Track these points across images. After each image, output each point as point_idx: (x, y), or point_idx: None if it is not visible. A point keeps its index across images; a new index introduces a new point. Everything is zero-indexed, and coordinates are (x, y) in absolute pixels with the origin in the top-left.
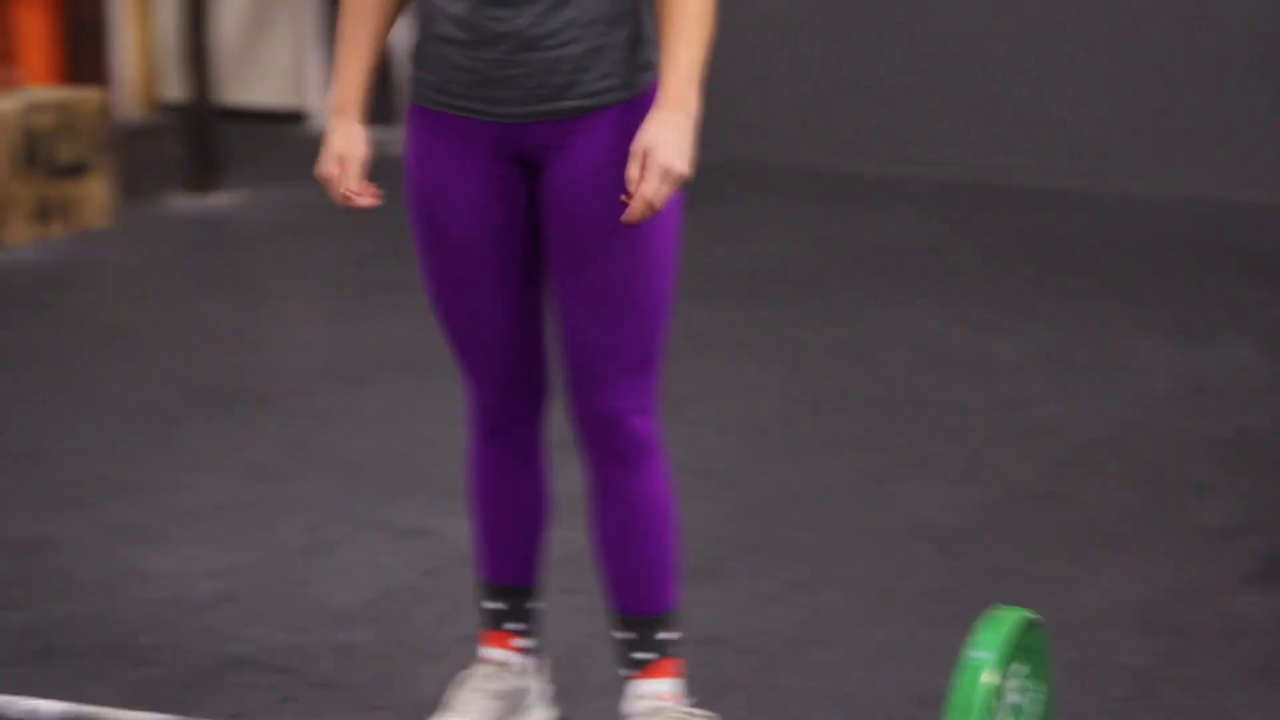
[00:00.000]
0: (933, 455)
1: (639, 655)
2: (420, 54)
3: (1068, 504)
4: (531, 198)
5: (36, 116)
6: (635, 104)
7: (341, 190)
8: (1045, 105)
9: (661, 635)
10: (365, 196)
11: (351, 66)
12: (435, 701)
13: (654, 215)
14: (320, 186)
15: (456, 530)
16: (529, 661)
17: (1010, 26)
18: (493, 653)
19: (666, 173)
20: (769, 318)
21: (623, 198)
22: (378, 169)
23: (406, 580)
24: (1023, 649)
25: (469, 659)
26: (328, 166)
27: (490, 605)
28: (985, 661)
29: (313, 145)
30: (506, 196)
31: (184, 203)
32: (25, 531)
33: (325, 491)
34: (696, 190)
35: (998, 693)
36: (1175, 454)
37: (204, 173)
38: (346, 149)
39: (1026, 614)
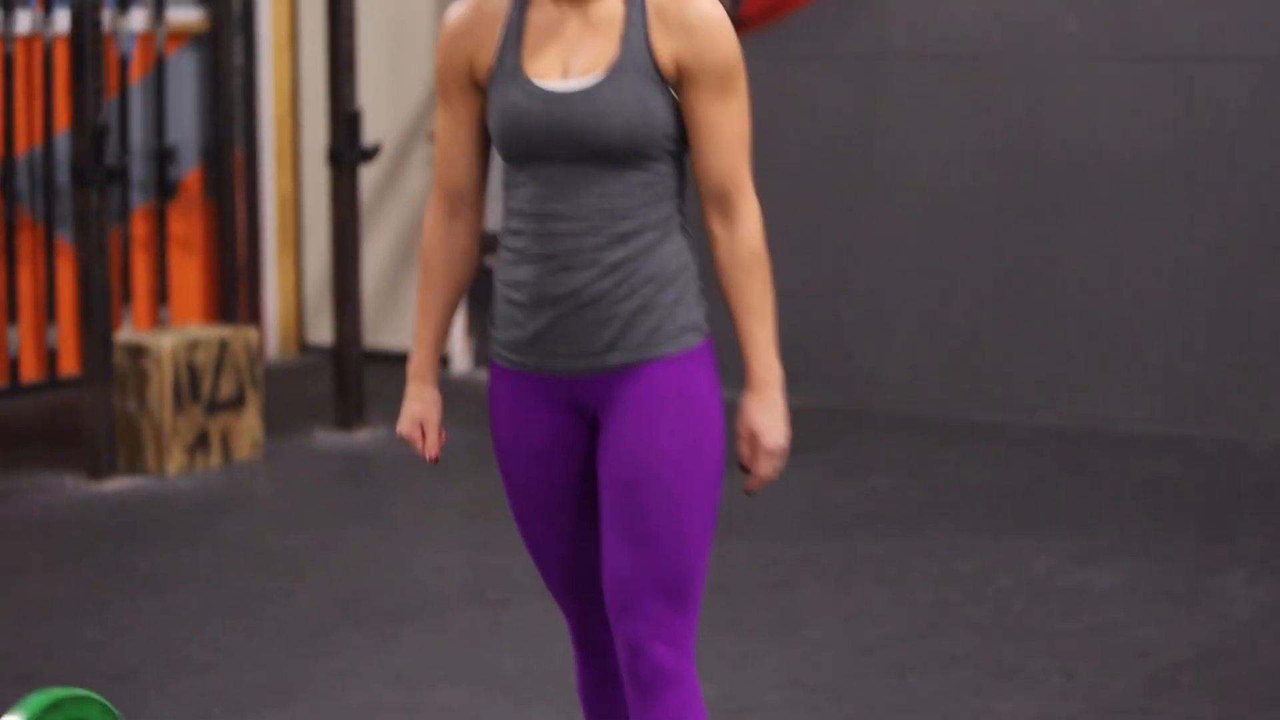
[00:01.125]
0: (1030, 672)
1: None
2: (493, 316)
3: (1155, 717)
4: (591, 445)
5: (196, 353)
6: (681, 359)
7: (420, 449)
8: (1147, 354)
9: None
10: (440, 450)
11: (426, 335)
12: None
13: (698, 461)
14: (458, 427)
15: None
16: None
17: (1117, 279)
18: None
19: (773, 453)
20: (880, 550)
21: (743, 481)
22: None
23: None
24: None
25: None
26: (406, 428)
27: None
28: None
29: (450, 388)
30: (567, 445)
31: (329, 438)
32: None
33: (466, 700)
34: (811, 432)
35: None
36: (1254, 675)
37: (349, 410)
38: (422, 412)
39: None
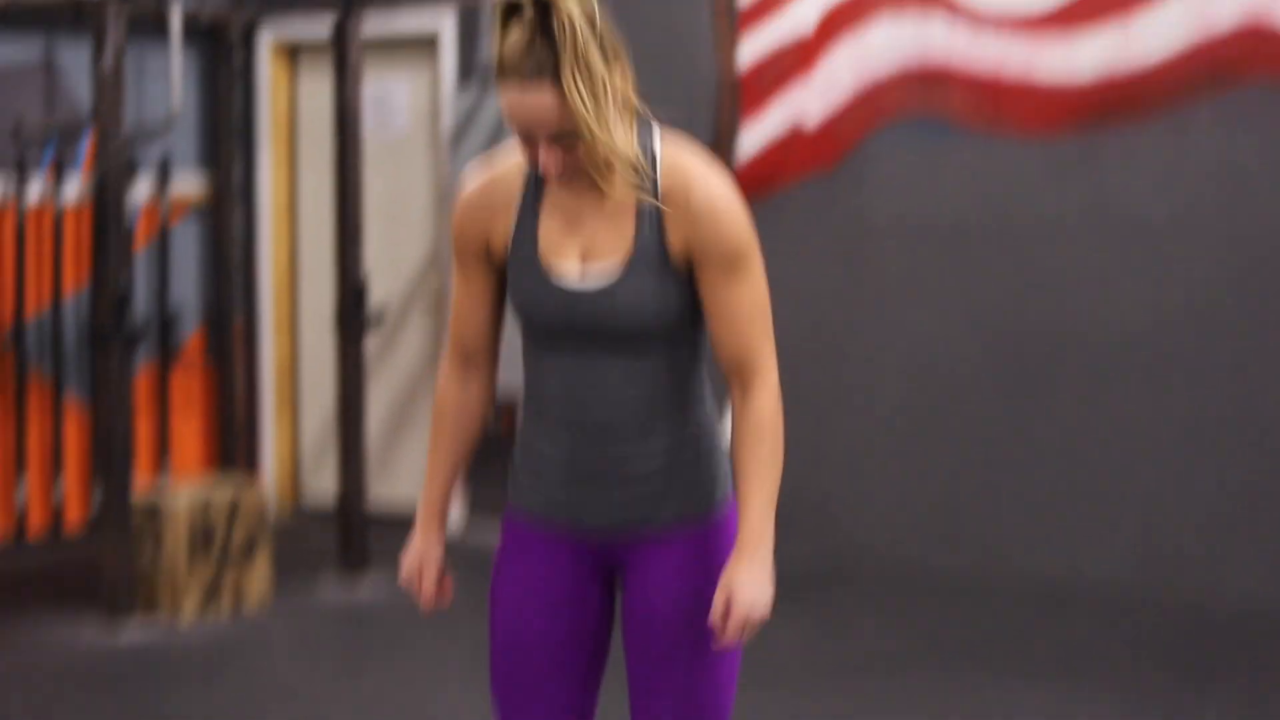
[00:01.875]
0: None
1: None
2: (513, 475)
3: None
4: (611, 606)
5: (208, 511)
6: (708, 530)
7: (418, 593)
8: (1119, 517)
9: None
10: (441, 599)
11: (434, 485)
12: None
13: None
14: (454, 581)
15: None
16: None
17: (1091, 449)
18: None
19: (748, 616)
20: (870, 698)
21: (710, 622)
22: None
23: None
24: None
25: None
26: (407, 573)
27: None
28: None
29: (450, 547)
30: (582, 598)
31: (334, 590)
32: None
33: None
34: (797, 586)
35: None
36: None
37: (353, 563)
38: (423, 557)
39: None
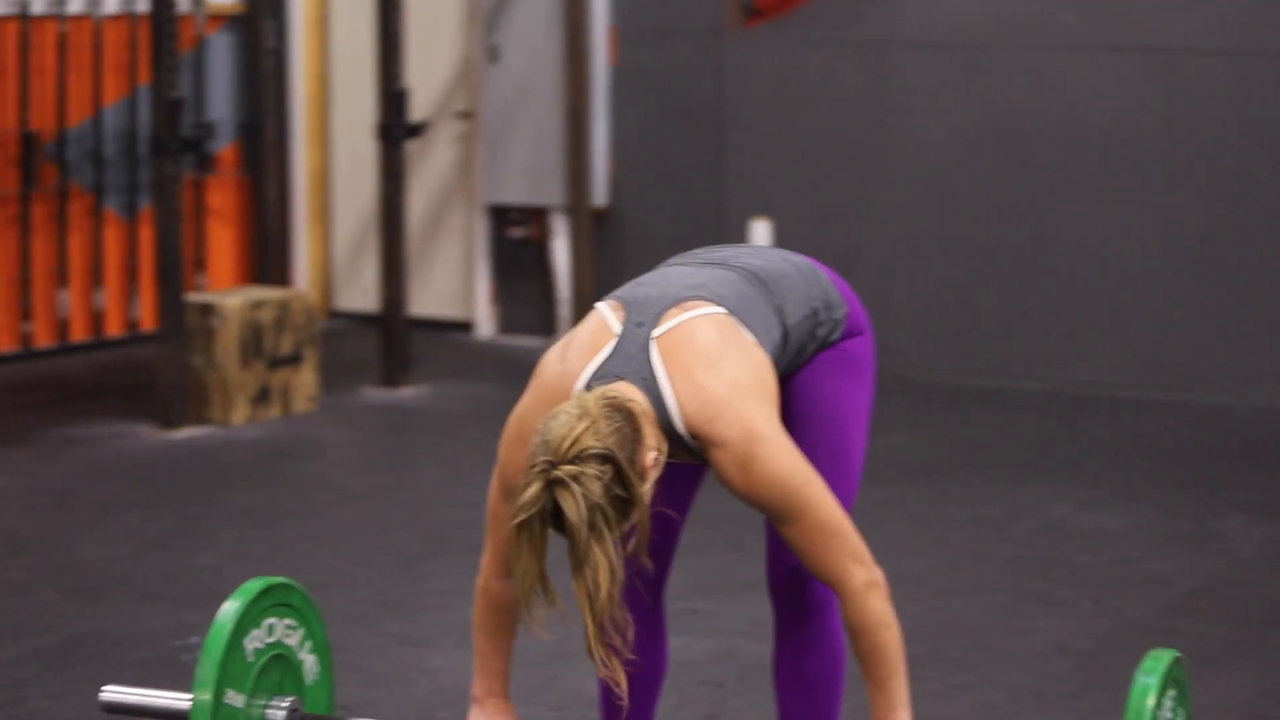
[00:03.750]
0: (1062, 599)
1: None
2: None
3: (1176, 635)
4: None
5: (259, 312)
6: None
7: None
8: (1134, 324)
9: None
10: None
11: (496, 666)
12: None
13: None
14: (492, 384)
15: (673, 644)
16: None
17: (1107, 254)
18: None
19: None
20: (908, 495)
21: None
22: None
23: None
24: (1173, 679)
25: None
26: None
27: None
28: (1151, 685)
29: (479, 350)
30: None
31: (377, 395)
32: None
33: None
34: None
35: (1158, 707)
36: (1261, 602)
37: (395, 369)
38: None
39: (1175, 653)
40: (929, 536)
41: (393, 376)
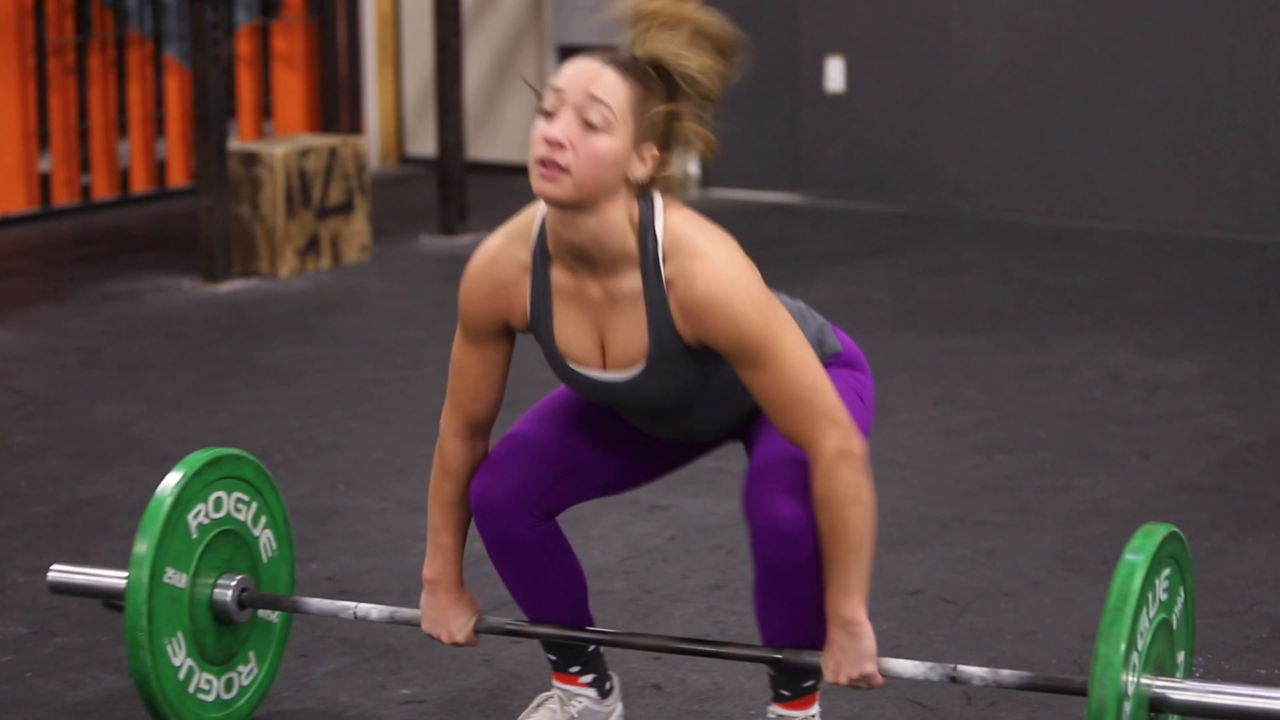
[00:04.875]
0: (1109, 454)
1: (782, 690)
2: None
3: (1226, 494)
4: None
5: (306, 161)
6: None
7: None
8: (1221, 163)
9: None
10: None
11: (447, 543)
12: (682, 634)
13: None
14: None
15: (694, 507)
16: (597, 692)
17: (1193, 92)
18: (562, 686)
19: (864, 682)
20: (967, 343)
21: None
22: None
23: (653, 544)
24: (1168, 556)
25: (708, 604)
26: (432, 628)
27: (548, 655)
28: (1138, 564)
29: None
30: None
31: (433, 243)
32: (320, 504)
33: None
34: (899, 236)
35: (1147, 588)
36: None
37: (452, 216)
38: (451, 619)
39: (1171, 528)
40: (981, 386)
41: (450, 224)
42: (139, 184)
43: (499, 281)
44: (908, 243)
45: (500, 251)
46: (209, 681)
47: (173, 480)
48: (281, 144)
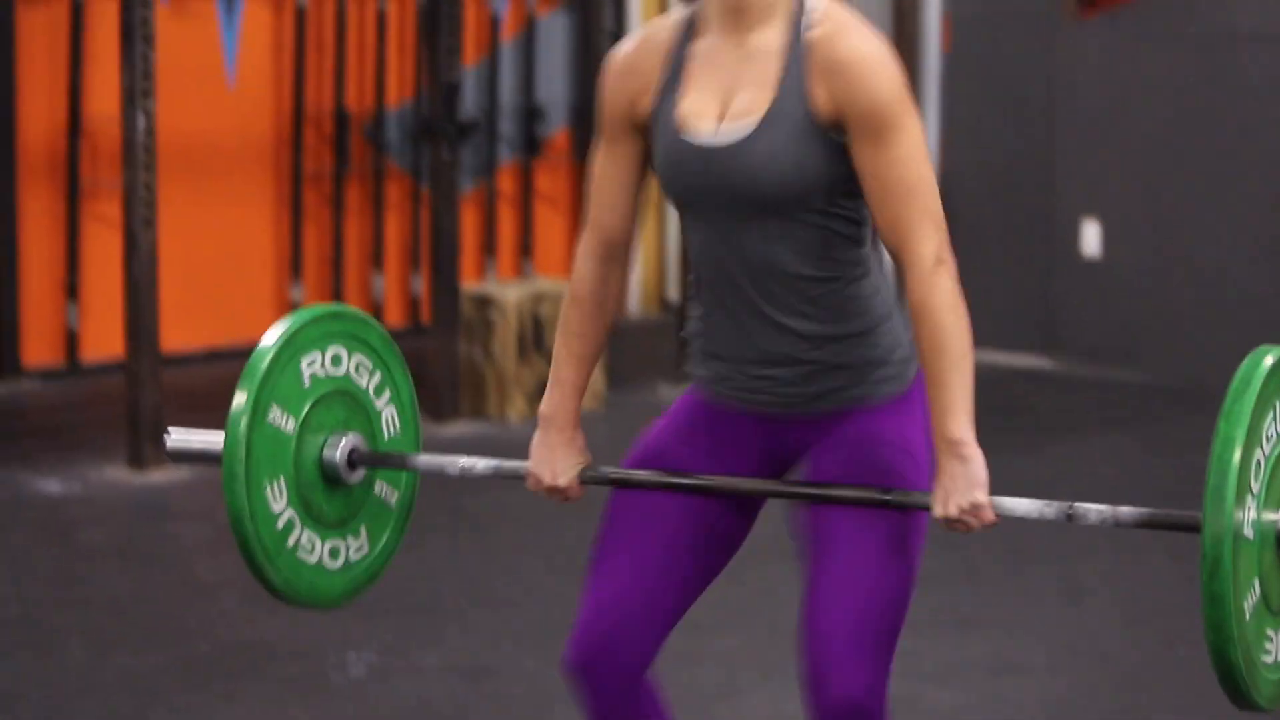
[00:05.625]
0: None
1: None
2: (691, 350)
3: None
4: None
5: (542, 305)
6: (886, 406)
7: (548, 497)
8: None
9: None
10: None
11: (568, 377)
12: None
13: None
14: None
15: None
16: None
17: None
18: None
19: (974, 515)
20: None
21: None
22: None
23: None
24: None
25: None
26: (540, 473)
27: None
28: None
29: None
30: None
31: (670, 392)
32: (476, 661)
33: (743, 649)
34: (1136, 407)
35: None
36: None
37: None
38: (560, 463)
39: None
40: (1183, 572)
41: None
42: (392, 318)
43: (633, 58)
44: (1144, 415)
45: (640, 35)
46: (313, 541)
47: (288, 320)
48: (514, 287)
